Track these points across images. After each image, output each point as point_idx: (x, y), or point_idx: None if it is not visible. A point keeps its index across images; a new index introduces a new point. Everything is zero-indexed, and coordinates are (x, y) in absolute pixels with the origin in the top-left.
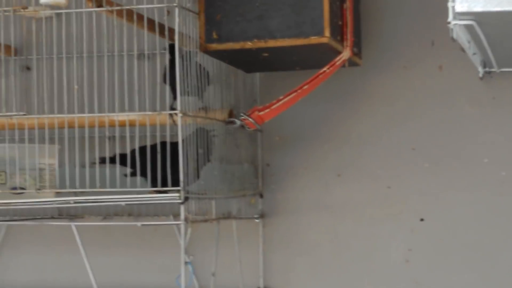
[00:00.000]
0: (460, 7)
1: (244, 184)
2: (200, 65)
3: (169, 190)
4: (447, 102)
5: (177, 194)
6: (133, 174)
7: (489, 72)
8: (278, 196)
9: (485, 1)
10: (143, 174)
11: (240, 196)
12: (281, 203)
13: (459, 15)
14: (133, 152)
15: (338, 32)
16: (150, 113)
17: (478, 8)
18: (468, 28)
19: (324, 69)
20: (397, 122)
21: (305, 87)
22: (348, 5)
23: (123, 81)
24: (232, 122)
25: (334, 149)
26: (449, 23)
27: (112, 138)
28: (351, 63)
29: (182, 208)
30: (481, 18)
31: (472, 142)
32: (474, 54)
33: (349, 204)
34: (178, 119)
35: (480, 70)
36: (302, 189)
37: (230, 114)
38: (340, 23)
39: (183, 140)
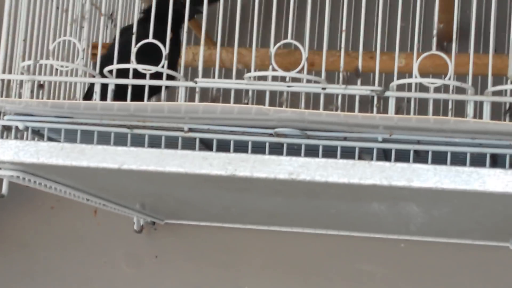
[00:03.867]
0: None
1: None
2: None
3: None
4: (101, 257)
5: None
6: None
7: (153, 224)
8: None
9: (37, 149)
10: None
11: None
12: None
13: (5, 164)
14: None
15: None
16: None
17: (7, 157)
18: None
19: None
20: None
21: None
22: None
23: None
24: None
25: None
26: None
27: None
28: None
29: None
30: (39, 170)
31: None
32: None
33: None
34: None
35: (135, 221)
36: None
37: None
38: None
39: None
